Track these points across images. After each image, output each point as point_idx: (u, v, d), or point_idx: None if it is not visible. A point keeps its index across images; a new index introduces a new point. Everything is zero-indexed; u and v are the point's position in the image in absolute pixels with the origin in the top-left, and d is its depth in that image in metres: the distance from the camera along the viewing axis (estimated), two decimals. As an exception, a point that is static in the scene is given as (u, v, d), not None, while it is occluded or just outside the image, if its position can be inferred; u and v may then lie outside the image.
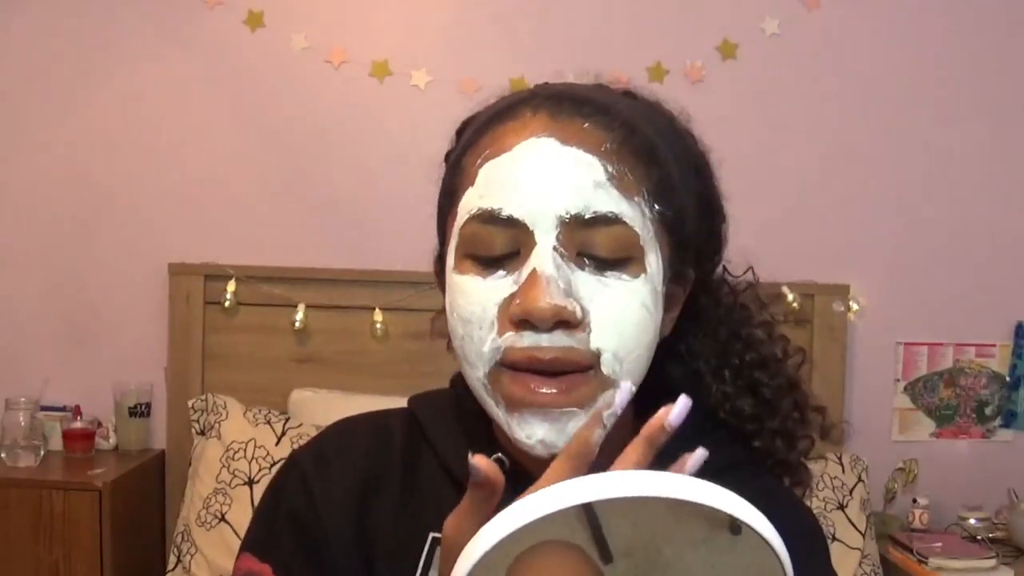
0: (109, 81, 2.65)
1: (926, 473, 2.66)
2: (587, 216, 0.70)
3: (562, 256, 0.70)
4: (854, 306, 2.65)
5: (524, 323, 0.70)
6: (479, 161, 0.74)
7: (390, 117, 2.65)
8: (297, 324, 2.56)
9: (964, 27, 2.71)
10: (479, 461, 0.59)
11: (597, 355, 0.71)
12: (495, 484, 0.60)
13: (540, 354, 0.70)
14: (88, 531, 2.26)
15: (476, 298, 0.72)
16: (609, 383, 0.71)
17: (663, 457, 0.62)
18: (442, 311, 0.80)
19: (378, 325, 2.55)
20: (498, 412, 0.73)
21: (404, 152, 2.63)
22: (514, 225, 0.71)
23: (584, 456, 0.61)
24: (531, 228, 0.71)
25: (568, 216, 0.70)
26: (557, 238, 0.70)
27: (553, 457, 0.65)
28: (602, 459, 0.72)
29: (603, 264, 0.72)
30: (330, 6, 2.65)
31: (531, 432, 0.71)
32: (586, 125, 0.73)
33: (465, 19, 2.66)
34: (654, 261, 0.73)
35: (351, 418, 0.89)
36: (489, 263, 0.72)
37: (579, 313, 0.70)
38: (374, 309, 2.56)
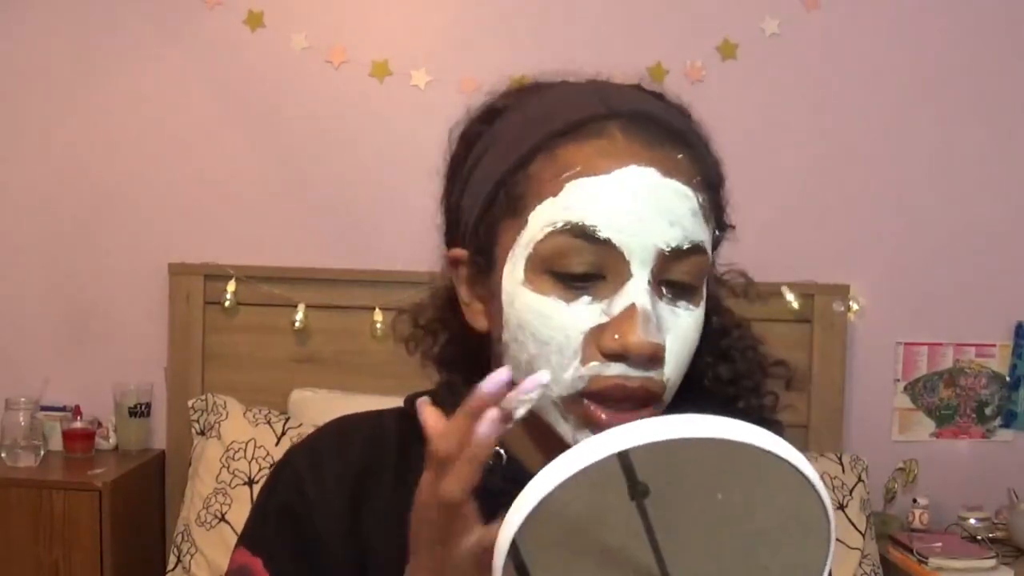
0: (109, 81, 2.65)
1: (926, 473, 2.66)
2: (685, 247, 0.71)
3: (652, 289, 0.71)
4: (854, 306, 2.65)
5: (617, 356, 0.70)
6: (566, 175, 0.72)
7: (390, 117, 2.65)
8: (297, 324, 2.56)
9: (964, 27, 2.71)
10: (427, 412, 0.62)
11: (665, 385, 0.72)
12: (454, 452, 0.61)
13: (628, 383, 0.71)
14: (88, 531, 2.26)
15: (559, 323, 0.71)
16: (662, 404, 0.74)
17: None
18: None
19: (378, 325, 2.55)
20: (561, 424, 0.73)
21: (404, 152, 2.63)
22: (607, 249, 0.70)
23: (463, 435, 0.60)
24: (627, 258, 0.70)
25: (668, 249, 0.71)
26: (652, 271, 0.71)
27: (527, 434, 0.70)
28: None
29: (679, 292, 0.73)
30: (330, 6, 2.65)
31: (584, 437, 0.72)
32: (680, 156, 0.73)
33: (465, 19, 2.66)
34: (706, 284, 0.76)
35: (345, 417, 0.89)
36: (571, 282, 0.71)
37: (663, 351, 0.72)
38: (374, 309, 2.56)
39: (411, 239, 2.59)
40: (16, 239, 2.66)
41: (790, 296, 2.51)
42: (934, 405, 2.76)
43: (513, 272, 0.73)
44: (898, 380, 2.74)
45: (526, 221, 0.73)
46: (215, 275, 2.58)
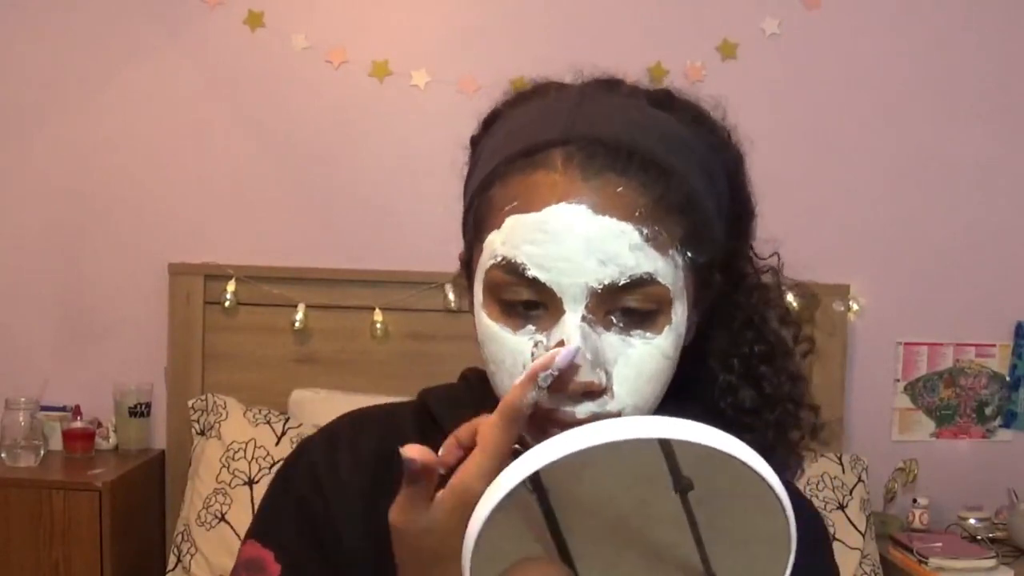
0: (109, 81, 2.65)
1: (926, 473, 2.66)
2: (621, 283, 0.70)
3: (591, 323, 0.70)
4: (854, 306, 2.66)
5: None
6: (508, 207, 0.72)
7: (390, 117, 2.65)
8: (297, 324, 2.56)
9: (964, 27, 2.71)
10: (410, 451, 0.62)
11: (615, 411, 0.72)
12: (431, 471, 0.62)
13: (565, 417, 0.71)
14: (88, 531, 2.26)
15: (507, 349, 0.73)
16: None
17: None
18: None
19: (378, 325, 2.55)
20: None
21: (404, 152, 2.63)
22: (539, 287, 0.71)
23: (514, 418, 0.63)
24: (558, 295, 0.70)
25: (600, 287, 0.70)
26: (586, 307, 0.70)
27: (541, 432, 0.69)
28: None
29: (631, 319, 0.72)
30: (330, 6, 2.66)
31: None
32: (619, 189, 0.71)
33: (465, 19, 2.66)
34: (680, 309, 0.74)
35: (363, 409, 0.89)
36: (516, 310, 0.73)
37: (604, 381, 0.71)
38: (374, 309, 2.56)
39: (411, 239, 2.61)
40: (16, 239, 2.66)
41: (790, 296, 2.50)
42: (934, 405, 2.76)
43: (477, 291, 0.75)
44: (898, 380, 2.74)
45: (483, 246, 0.74)
46: (215, 275, 2.58)
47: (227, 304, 2.56)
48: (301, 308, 2.56)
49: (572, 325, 0.70)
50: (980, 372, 2.76)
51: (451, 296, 2.48)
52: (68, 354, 2.66)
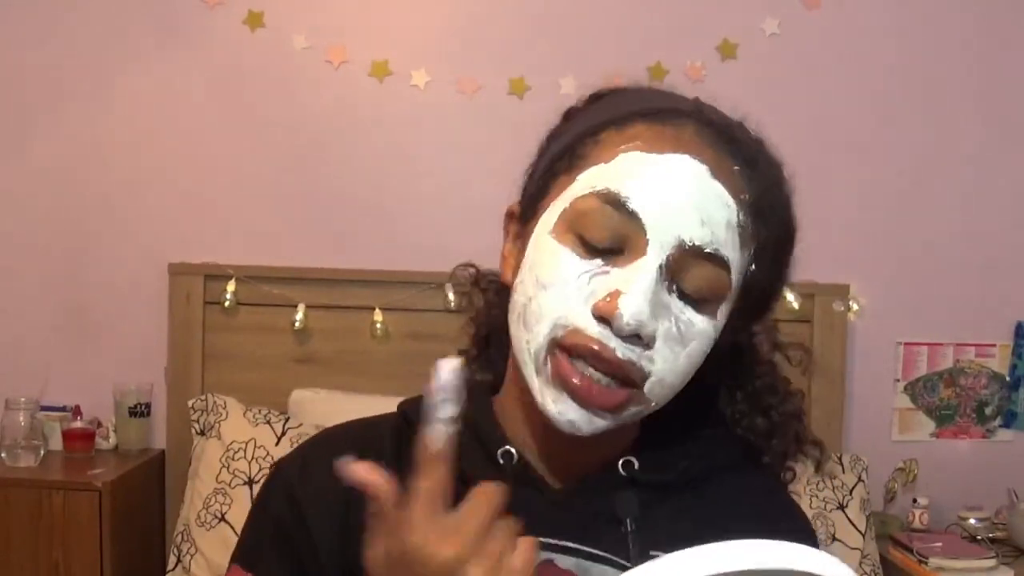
0: (109, 81, 2.65)
1: (926, 473, 2.66)
2: (707, 250, 0.71)
3: (662, 275, 0.71)
4: (854, 306, 2.65)
5: (604, 320, 0.71)
6: (625, 146, 0.74)
7: (390, 117, 2.65)
8: (297, 324, 2.56)
9: (965, 27, 2.71)
10: (357, 471, 0.64)
11: (646, 377, 0.72)
12: (386, 493, 0.64)
13: (604, 352, 0.71)
14: (88, 531, 2.26)
15: (564, 271, 0.72)
16: (644, 401, 0.74)
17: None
18: (505, 260, 0.81)
19: (378, 325, 2.55)
20: (536, 379, 0.74)
21: (404, 152, 2.63)
22: (633, 223, 0.71)
23: (432, 463, 0.64)
24: (648, 236, 0.71)
25: (690, 244, 0.71)
26: (668, 257, 0.71)
27: (574, 437, 0.71)
28: (592, 442, 0.75)
29: (686, 296, 0.72)
30: (330, 6, 2.65)
31: (563, 410, 0.73)
32: (735, 168, 0.74)
33: (465, 19, 2.66)
34: (724, 311, 0.75)
35: (338, 426, 0.90)
36: (591, 248, 0.72)
37: (655, 334, 0.71)
38: (374, 309, 2.56)
39: (411, 239, 2.61)
40: (16, 239, 2.66)
41: (790, 296, 2.51)
42: (934, 405, 2.76)
43: (547, 220, 0.75)
44: (898, 380, 2.74)
45: (576, 179, 0.74)
46: (215, 275, 2.58)
47: (227, 304, 2.56)
48: (301, 308, 2.56)
49: (651, 267, 0.70)
50: (980, 372, 2.76)
51: (451, 296, 2.48)
52: (68, 354, 2.65)
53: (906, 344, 2.73)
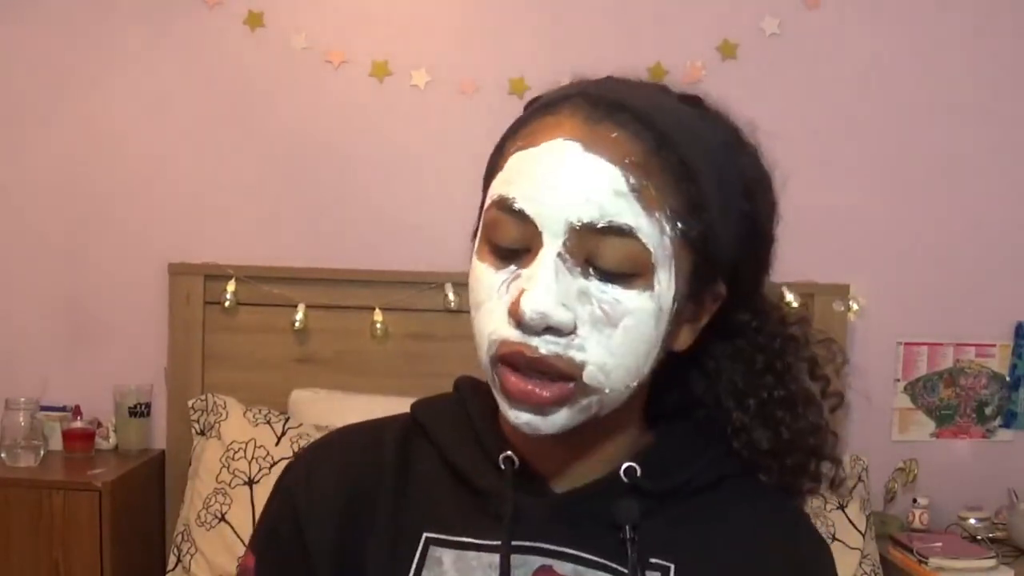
0: (109, 81, 2.65)
1: (926, 473, 2.66)
2: (600, 225, 0.70)
3: (565, 262, 0.70)
4: (854, 306, 2.65)
5: (516, 321, 0.71)
6: (513, 149, 0.74)
7: (390, 117, 2.65)
8: (297, 324, 2.56)
9: (965, 27, 2.71)
10: None
11: (581, 367, 0.71)
12: None
13: (527, 352, 0.71)
14: (88, 531, 2.26)
15: (488, 286, 0.73)
16: (592, 390, 0.72)
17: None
18: None
19: (378, 325, 2.55)
20: (497, 394, 0.75)
21: (404, 152, 2.63)
22: (525, 222, 0.71)
23: None
24: (540, 229, 0.71)
25: (579, 224, 0.70)
26: (564, 244, 0.70)
27: (537, 438, 0.72)
28: (594, 447, 0.75)
29: (608, 276, 0.71)
30: (330, 6, 2.65)
31: (518, 415, 0.73)
32: (614, 135, 0.72)
33: (465, 19, 2.66)
34: (665, 279, 0.72)
35: (342, 429, 0.90)
36: (504, 254, 0.73)
37: (569, 322, 0.70)
38: (374, 309, 2.56)
39: (411, 239, 2.61)
40: (16, 239, 2.66)
41: (790, 296, 2.51)
42: (934, 405, 2.76)
43: (476, 241, 0.76)
44: (898, 380, 2.74)
45: (488, 194, 0.76)
46: (215, 275, 2.58)
47: (227, 304, 2.56)
48: (301, 308, 2.56)
49: (548, 258, 0.70)
50: (980, 372, 2.76)
51: (451, 296, 2.48)
52: (68, 354, 2.66)
53: (906, 344, 2.73)
